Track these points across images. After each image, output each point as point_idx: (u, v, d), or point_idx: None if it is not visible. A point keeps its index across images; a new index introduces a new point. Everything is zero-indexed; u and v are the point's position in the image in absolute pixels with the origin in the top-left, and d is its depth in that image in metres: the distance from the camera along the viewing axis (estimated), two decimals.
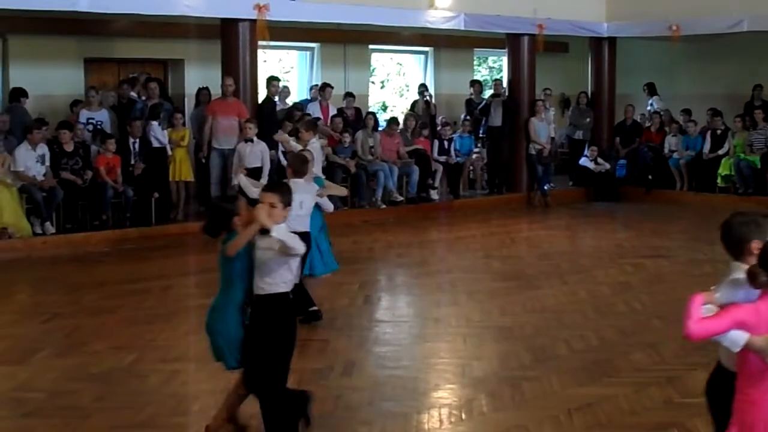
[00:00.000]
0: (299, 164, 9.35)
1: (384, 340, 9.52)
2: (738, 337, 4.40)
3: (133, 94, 17.65)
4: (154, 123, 16.14)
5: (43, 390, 7.72)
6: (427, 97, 21.11)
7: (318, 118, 17.72)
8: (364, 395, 7.56)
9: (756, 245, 4.64)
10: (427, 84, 22.08)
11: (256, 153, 15.49)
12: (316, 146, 10.97)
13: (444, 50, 22.89)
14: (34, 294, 11.78)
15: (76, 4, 15.05)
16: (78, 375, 8.13)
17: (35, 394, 7.63)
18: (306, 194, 9.17)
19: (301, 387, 7.58)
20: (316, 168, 10.54)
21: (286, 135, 11.98)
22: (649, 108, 22.36)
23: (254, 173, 15.36)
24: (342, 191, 10.31)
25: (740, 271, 4.65)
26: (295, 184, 8.61)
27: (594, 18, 21.31)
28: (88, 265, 13.53)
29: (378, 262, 14.30)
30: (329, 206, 10.08)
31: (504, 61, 22.73)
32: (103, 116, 16.54)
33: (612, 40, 21.89)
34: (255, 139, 15.52)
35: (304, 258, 9.03)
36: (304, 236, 8.42)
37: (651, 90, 22.67)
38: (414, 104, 21.16)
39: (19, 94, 16.28)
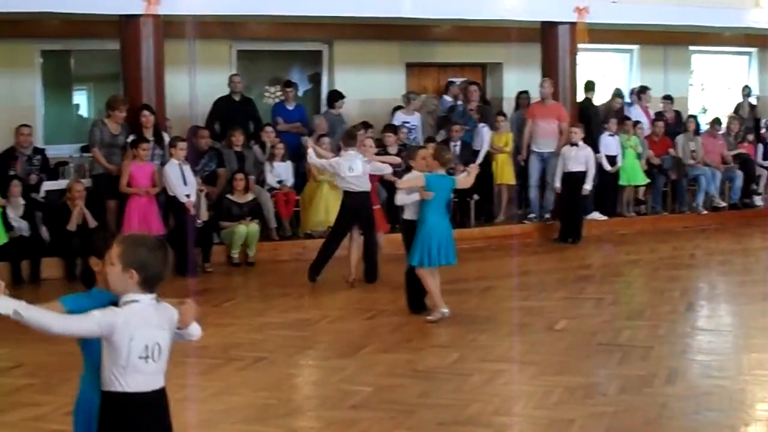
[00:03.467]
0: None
1: (708, 349, 9.26)
2: None
3: (448, 98, 17.96)
4: (481, 125, 16.42)
5: (369, 384, 7.93)
6: (752, 100, 20.40)
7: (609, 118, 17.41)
8: (689, 404, 7.37)
9: None
10: (751, 86, 21.32)
11: (580, 157, 15.44)
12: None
13: None
14: (358, 291, 12.14)
15: (400, 10, 15.48)
16: (402, 371, 8.32)
17: (362, 387, 7.85)
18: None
19: (625, 394, 7.54)
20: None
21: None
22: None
23: (578, 177, 15.35)
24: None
25: None
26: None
27: None
28: None
29: (699, 269, 13.96)
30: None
31: None
32: (415, 120, 16.90)
33: None
34: (580, 143, 15.46)
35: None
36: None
37: None
38: (738, 107, 20.47)
39: (333, 98, 16.79)
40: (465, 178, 11.06)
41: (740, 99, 20.62)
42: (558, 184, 15.68)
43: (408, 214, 10.61)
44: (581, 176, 15.41)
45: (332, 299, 11.63)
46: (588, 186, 15.51)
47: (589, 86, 17.69)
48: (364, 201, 12.18)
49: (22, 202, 13.09)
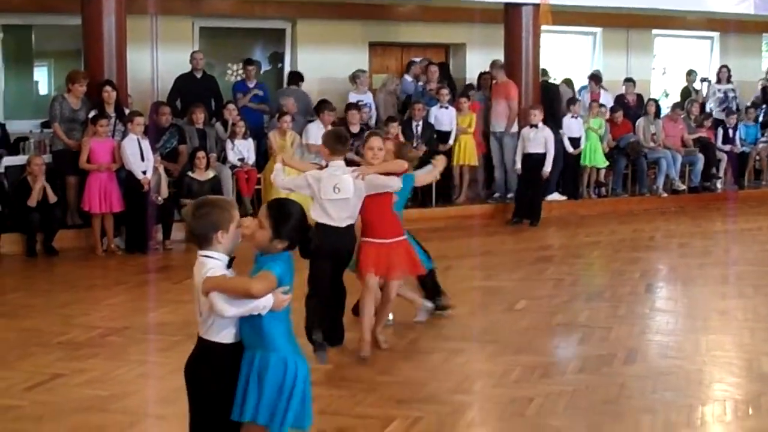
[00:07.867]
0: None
1: (666, 330, 9.29)
2: None
3: (408, 77, 17.95)
4: (434, 108, 16.43)
5: (329, 361, 7.92)
6: (696, 85, 20.60)
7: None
8: (647, 384, 7.41)
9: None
10: (712, 70, 21.48)
11: (540, 139, 15.43)
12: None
13: (732, 35, 22.14)
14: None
15: None
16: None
17: (322, 365, 7.81)
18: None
19: (584, 373, 7.58)
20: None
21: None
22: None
23: (537, 159, 15.37)
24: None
25: None
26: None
27: None
28: None
29: (659, 251, 14.04)
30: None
31: None
32: (368, 98, 16.90)
33: None
34: (540, 125, 15.48)
35: None
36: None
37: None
38: (698, 91, 20.61)
39: (297, 78, 16.92)
40: (428, 173, 9.45)
41: (701, 83, 20.75)
42: (518, 165, 15.69)
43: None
44: (540, 158, 15.40)
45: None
46: (547, 168, 15.49)
47: (544, 72, 17.76)
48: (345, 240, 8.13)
49: None
